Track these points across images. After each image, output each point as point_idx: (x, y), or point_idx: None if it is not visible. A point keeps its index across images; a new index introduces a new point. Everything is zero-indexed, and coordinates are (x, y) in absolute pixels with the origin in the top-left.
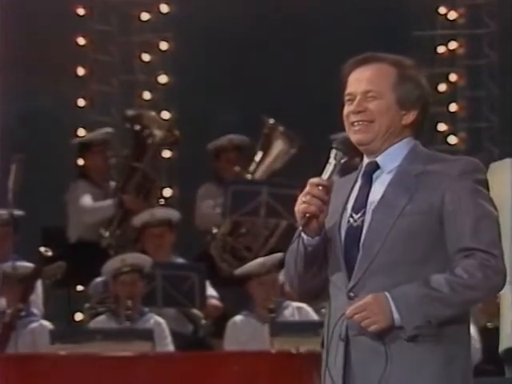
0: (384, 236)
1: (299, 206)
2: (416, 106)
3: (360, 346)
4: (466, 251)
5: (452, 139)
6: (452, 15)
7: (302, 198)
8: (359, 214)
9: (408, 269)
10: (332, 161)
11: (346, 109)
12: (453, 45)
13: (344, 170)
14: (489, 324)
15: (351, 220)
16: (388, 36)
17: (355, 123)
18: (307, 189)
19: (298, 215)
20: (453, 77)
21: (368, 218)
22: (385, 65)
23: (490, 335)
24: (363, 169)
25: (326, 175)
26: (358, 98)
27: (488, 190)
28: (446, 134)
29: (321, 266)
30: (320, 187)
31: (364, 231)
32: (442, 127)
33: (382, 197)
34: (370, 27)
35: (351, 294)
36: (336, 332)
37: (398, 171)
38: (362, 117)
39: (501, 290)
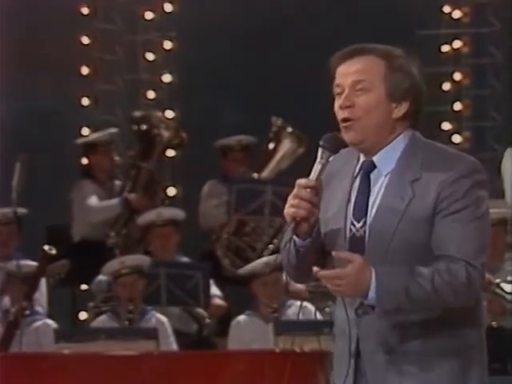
0: (385, 249)
1: (288, 210)
2: (407, 97)
3: (372, 363)
4: (450, 257)
5: (456, 138)
6: (456, 14)
7: (290, 200)
8: (360, 223)
9: None
10: (319, 160)
11: (336, 103)
12: (457, 44)
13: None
14: (493, 323)
15: (353, 229)
16: (392, 35)
17: (343, 121)
18: (295, 191)
19: (287, 218)
20: (457, 76)
21: (368, 230)
22: (373, 57)
23: (495, 334)
24: (359, 167)
25: (314, 175)
26: (346, 90)
27: (486, 189)
28: (450, 133)
29: (317, 260)
30: (308, 189)
31: (366, 243)
32: (446, 126)
33: (379, 206)
34: (373, 26)
35: (359, 312)
36: (345, 348)
37: (394, 175)
38: (349, 114)
39: (472, 300)
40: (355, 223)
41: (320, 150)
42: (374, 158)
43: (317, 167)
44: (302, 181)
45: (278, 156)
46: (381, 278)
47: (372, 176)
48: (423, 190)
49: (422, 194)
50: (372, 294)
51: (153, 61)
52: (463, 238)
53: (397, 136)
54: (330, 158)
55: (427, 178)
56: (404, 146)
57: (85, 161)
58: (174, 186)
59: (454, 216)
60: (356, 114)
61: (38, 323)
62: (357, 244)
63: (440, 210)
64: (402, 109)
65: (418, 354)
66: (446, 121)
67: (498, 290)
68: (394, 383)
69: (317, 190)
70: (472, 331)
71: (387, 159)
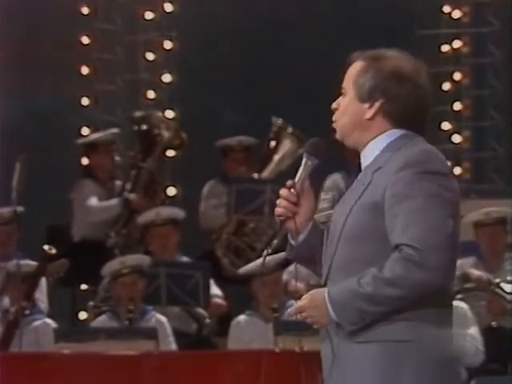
0: (338, 234)
1: (275, 209)
2: (375, 97)
3: (323, 339)
4: (397, 247)
5: (456, 138)
6: (456, 14)
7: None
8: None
9: (360, 267)
10: (303, 163)
11: None
12: (457, 43)
13: None
14: (493, 323)
15: (332, 218)
16: (392, 35)
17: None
18: (280, 191)
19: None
20: (457, 75)
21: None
22: (358, 61)
23: (495, 334)
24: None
25: (297, 178)
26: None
27: (442, 176)
28: (450, 133)
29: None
30: (291, 190)
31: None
32: (446, 126)
33: (345, 195)
34: (373, 26)
35: None
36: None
37: (367, 168)
38: (333, 116)
39: (430, 285)
40: (335, 214)
41: (304, 154)
42: (361, 154)
43: (301, 170)
44: (288, 182)
45: (278, 156)
46: (331, 296)
47: (361, 172)
48: (379, 177)
49: (377, 182)
50: (331, 312)
51: (153, 61)
52: (407, 225)
53: (378, 135)
54: (310, 163)
55: (386, 167)
56: (386, 145)
57: (85, 161)
58: (174, 186)
59: (399, 205)
60: (336, 116)
61: (38, 323)
62: (328, 231)
63: (386, 198)
64: (373, 109)
65: (350, 337)
66: (445, 121)
67: (498, 290)
68: (328, 359)
69: (297, 190)
70: (403, 324)
71: (367, 156)
